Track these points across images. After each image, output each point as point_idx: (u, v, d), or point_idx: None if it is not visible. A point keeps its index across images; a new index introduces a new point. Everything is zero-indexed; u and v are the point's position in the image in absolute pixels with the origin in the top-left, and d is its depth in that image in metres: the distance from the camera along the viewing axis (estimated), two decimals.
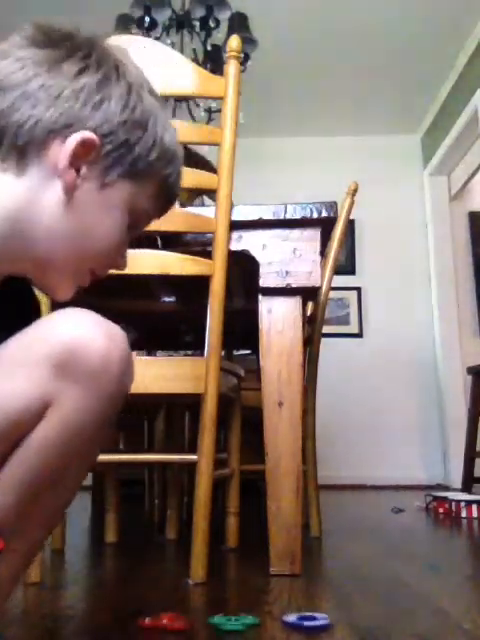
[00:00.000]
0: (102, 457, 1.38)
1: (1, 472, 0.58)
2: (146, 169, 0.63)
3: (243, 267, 1.41)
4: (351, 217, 2.17)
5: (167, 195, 0.69)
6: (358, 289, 4.60)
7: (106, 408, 0.61)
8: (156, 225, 1.27)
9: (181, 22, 2.87)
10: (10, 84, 0.57)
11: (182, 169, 0.70)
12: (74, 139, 0.58)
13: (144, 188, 0.64)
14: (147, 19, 2.72)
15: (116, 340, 0.61)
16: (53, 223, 0.60)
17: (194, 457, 1.26)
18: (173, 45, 2.73)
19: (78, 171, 0.60)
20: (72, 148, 0.58)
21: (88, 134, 0.58)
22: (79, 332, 0.58)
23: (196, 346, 2.53)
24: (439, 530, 2.10)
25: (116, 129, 0.60)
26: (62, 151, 0.58)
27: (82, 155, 0.59)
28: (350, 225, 4.54)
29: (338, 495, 3.44)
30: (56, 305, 0.76)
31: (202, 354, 1.29)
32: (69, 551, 1.61)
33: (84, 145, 0.58)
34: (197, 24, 2.82)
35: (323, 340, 1.98)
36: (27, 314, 0.70)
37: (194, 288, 1.41)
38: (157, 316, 2.09)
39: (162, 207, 0.70)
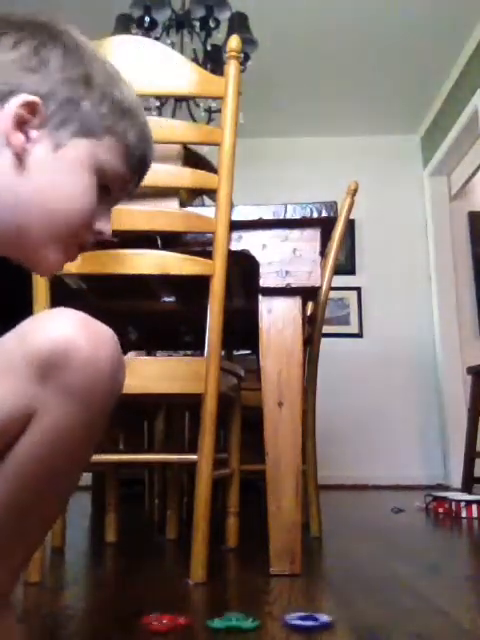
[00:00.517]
0: (102, 457, 1.38)
1: None
2: (98, 125, 0.63)
3: (243, 267, 1.41)
4: (351, 217, 2.17)
5: (134, 153, 0.67)
6: (358, 289, 4.60)
7: (95, 414, 0.57)
8: (156, 225, 1.28)
9: (181, 22, 2.87)
10: None
11: (146, 126, 0.69)
12: (13, 103, 0.59)
13: (104, 145, 0.64)
14: (147, 19, 2.72)
15: (104, 341, 0.57)
16: (10, 191, 0.60)
17: (194, 457, 1.26)
18: (173, 45, 2.73)
19: (28, 136, 0.60)
20: (13, 112, 0.59)
21: (27, 96, 0.59)
22: (63, 335, 0.54)
23: (196, 346, 2.53)
24: (439, 530, 2.10)
25: (56, 88, 0.61)
26: (2, 116, 0.59)
27: (27, 118, 0.59)
28: (350, 225, 4.54)
29: (338, 495, 3.44)
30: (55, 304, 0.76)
31: (202, 354, 1.29)
32: (69, 551, 1.61)
33: (27, 107, 0.59)
34: (197, 24, 2.82)
35: (323, 340, 1.98)
36: (18, 312, 0.69)
37: (194, 288, 1.41)
38: (157, 316, 2.09)
39: (135, 168, 0.68)
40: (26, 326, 0.56)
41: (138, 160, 0.68)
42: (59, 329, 0.55)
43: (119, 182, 0.67)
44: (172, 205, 1.35)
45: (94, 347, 0.55)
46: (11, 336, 0.56)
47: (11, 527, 0.58)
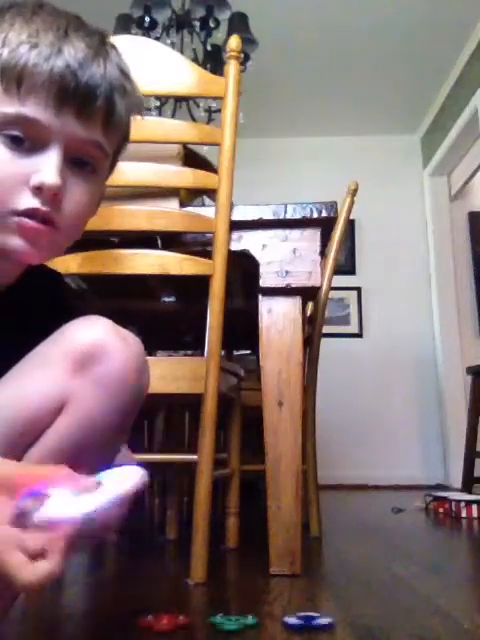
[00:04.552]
0: None
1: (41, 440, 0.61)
2: None
3: (243, 267, 1.41)
4: (351, 217, 2.17)
5: (13, 81, 0.57)
6: (358, 289, 4.60)
7: (121, 410, 0.63)
8: (156, 225, 1.28)
9: (181, 22, 2.87)
10: None
11: (39, 46, 0.58)
12: None
13: None
14: (147, 19, 2.72)
15: (131, 343, 0.64)
16: None
17: (194, 457, 1.26)
18: (173, 45, 2.73)
19: None
20: None
21: None
22: (96, 335, 0.62)
23: (196, 346, 2.53)
24: (439, 530, 2.10)
25: None
26: None
27: None
28: (350, 225, 4.54)
29: (338, 495, 3.44)
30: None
31: (202, 354, 1.29)
32: None
33: None
34: (197, 24, 2.82)
35: (323, 340, 1.98)
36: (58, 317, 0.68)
37: (194, 288, 1.41)
38: (157, 316, 2.09)
39: (43, 100, 0.57)
40: (68, 328, 0.63)
41: (41, 83, 0.57)
42: (94, 331, 0.63)
43: (30, 124, 0.58)
44: (172, 205, 1.35)
45: (123, 347, 0.63)
46: (51, 337, 0.63)
47: None
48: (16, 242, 0.59)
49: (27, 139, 0.58)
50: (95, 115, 0.61)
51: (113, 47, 0.65)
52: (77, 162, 0.61)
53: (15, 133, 0.57)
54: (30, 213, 0.58)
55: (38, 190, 0.58)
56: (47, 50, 0.57)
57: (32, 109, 0.57)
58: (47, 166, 0.58)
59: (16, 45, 0.57)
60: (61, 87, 0.58)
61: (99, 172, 0.64)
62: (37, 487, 0.48)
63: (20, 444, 0.60)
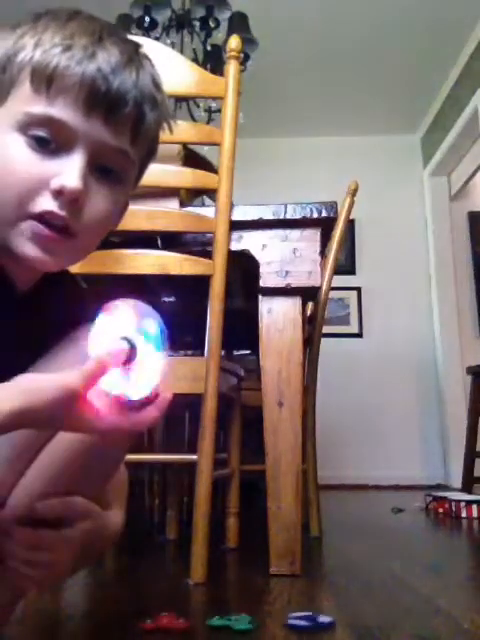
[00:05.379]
0: None
1: (37, 460, 0.61)
2: None
3: (243, 267, 1.41)
4: (351, 217, 2.17)
5: (43, 82, 0.56)
6: (358, 289, 4.60)
7: None
8: (156, 225, 1.28)
9: (181, 22, 2.87)
10: None
11: (69, 50, 0.57)
12: None
13: (13, 98, 0.57)
14: (147, 19, 2.72)
15: None
16: None
17: (194, 457, 1.26)
18: (173, 45, 2.73)
19: None
20: None
21: None
22: None
23: (196, 346, 2.52)
24: (439, 530, 2.11)
25: None
26: None
27: None
28: (350, 225, 4.54)
29: (338, 495, 3.44)
30: None
31: (202, 354, 1.29)
32: None
33: None
34: (197, 24, 2.82)
35: (323, 340, 1.98)
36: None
37: (194, 288, 1.41)
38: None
39: (72, 102, 0.56)
40: (79, 332, 0.64)
41: (72, 86, 0.56)
42: None
43: (60, 129, 0.57)
44: (172, 205, 1.35)
45: None
46: (66, 341, 0.65)
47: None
48: (29, 249, 0.57)
49: (52, 141, 0.57)
50: (124, 122, 0.59)
51: (146, 57, 0.64)
52: (102, 169, 0.59)
53: (40, 134, 0.56)
54: (46, 216, 0.56)
55: (58, 193, 0.56)
56: (80, 53, 0.57)
57: (60, 111, 0.56)
58: (70, 169, 0.56)
59: (49, 47, 0.56)
60: (91, 91, 0.57)
61: (124, 182, 0.62)
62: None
63: (36, 445, 0.61)
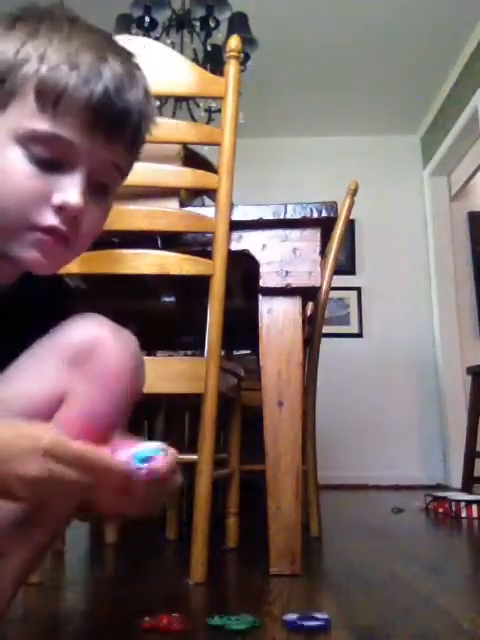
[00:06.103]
0: None
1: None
2: None
3: (243, 267, 1.41)
4: (351, 217, 2.17)
5: (50, 100, 0.57)
6: (358, 289, 4.60)
7: (118, 403, 0.66)
8: (156, 225, 1.28)
9: (181, 22, 2.87)
10: None
11: (75, 66, 0.57)
12: None
13: (14, 109, 0.58)
14: (147, 19, 2.72)
15: (127, 340, 0.67)
16: None
17: (194, 457, 1.26)
18: (173, 45, 2.73)
19: None
20: None
21: None
22: (92, 332, 0.65)
23: (196, 346, 2.52)
24: (439, 530, 2.11)
25: None
26: None
27: None
28: (350, 225, 4.54)
29: (338, 495, 3.44)
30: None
31: (202, 354, 1.29)
32: (69, 551, 1.61)
33: None
34: (197, 24, 2.82)
35: (323, 340, 1.98)
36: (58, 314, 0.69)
37: (194, 288, 1.41)
38: (157, 316, 2.08)
39: (78, 123, 0.57)
40: (61, 326, 0.66)
41: (78, 106, 0.57)
42: (89, 327, 0.66)
43: (62, 146, 0.58)
44: (172, 205, 1.35)
45: (118, 342, 0.66)
46: (49, 334, 0.66)
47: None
48: (32, 254, 0.60)
49: (55, 158, 0.58)
50: (123, 139, 0.62)
51: (138, 67, 0.65)
52: (96, 184, 0.62)
53: (44, 152, 0.58)
54: (49, 230, 0.59)
55: (60, 209, 0.58)
56: (86, 72, 0.57)
57: (66, 130, 0.57)
58: (72, 187, 0.58)
59: (56, 63, 0.57)
60: (97, 112, 0.58)
61: (113, 192, 0.66)
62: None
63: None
